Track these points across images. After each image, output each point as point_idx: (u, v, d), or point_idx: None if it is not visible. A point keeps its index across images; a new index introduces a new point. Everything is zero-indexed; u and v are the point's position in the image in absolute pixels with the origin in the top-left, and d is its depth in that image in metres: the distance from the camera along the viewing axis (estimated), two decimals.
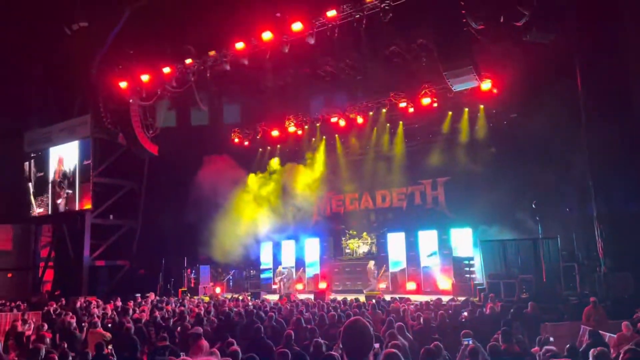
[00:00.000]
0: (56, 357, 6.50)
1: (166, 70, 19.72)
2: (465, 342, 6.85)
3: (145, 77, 20.28)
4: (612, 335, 8.55)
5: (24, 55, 25.06)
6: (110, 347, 7.79)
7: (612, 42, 13.48)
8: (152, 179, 25.66)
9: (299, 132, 23.29)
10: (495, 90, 17.96)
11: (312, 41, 16.48)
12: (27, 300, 19.54)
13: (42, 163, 25.71)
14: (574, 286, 14.68)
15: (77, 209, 23.73)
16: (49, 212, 25.05)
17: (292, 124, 23.10)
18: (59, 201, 24.67)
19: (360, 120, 21.53)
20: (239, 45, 17.68)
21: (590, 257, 14.89)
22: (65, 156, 24.73)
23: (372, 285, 19.52)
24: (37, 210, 25.56)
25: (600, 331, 8.25)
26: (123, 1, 20.93)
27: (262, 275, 22.67)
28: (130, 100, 21.24)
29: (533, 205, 16.08)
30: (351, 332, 2.96)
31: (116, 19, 21.32)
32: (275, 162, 24.16)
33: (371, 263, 20.13)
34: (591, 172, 14.52)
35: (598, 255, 14.16)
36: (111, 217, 24.91)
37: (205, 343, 7.19)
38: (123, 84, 20.80)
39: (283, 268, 21.86)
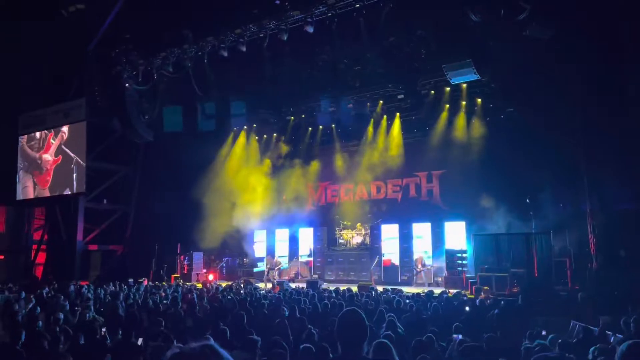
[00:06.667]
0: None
1: (163, 55, 19.59)
2: (455, 337, 6.85)
3: (141, 62, 20.14)
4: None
5: (17, 36, 24.74)
6: (103, 330, 7.77)
7: (611, 38, 13.46)
8: (146, 164, 25.58)
9: (296, 120, 23.22)
10: (493, 85, 17.98)
11: (310, 30, 16.39)
12: (19, 282, 19.49)
13: (35, 145, 25.51)
14: (565, 281, 14.84)
15: (70, 192, 23.61)
16: (43, 195, 24.89)
17: (289, 112, 23.05)
18: (49, 184, 24.51)
19: (357, 110, 21.46)
20: (237, 32, 17.57)
21: (582, 253, 15.03)
22: (59, 139, 24.52)
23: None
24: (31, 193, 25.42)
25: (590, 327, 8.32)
26: None
27: (257, 266, 22.69)
28: (126, 85, 21.11)
29: (527, 201, 16.21)
30: (346, 322, 2.99)
31: (114, 2, 21.09)
32: (272, 151, 24.13)
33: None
34: (586, 169, 14.61)
35: (590, 251, 14.30)
36: (105, 201, 24.81)
37: None
38: (119, 68, 20.65)
39: (279, 257, 21.89)
